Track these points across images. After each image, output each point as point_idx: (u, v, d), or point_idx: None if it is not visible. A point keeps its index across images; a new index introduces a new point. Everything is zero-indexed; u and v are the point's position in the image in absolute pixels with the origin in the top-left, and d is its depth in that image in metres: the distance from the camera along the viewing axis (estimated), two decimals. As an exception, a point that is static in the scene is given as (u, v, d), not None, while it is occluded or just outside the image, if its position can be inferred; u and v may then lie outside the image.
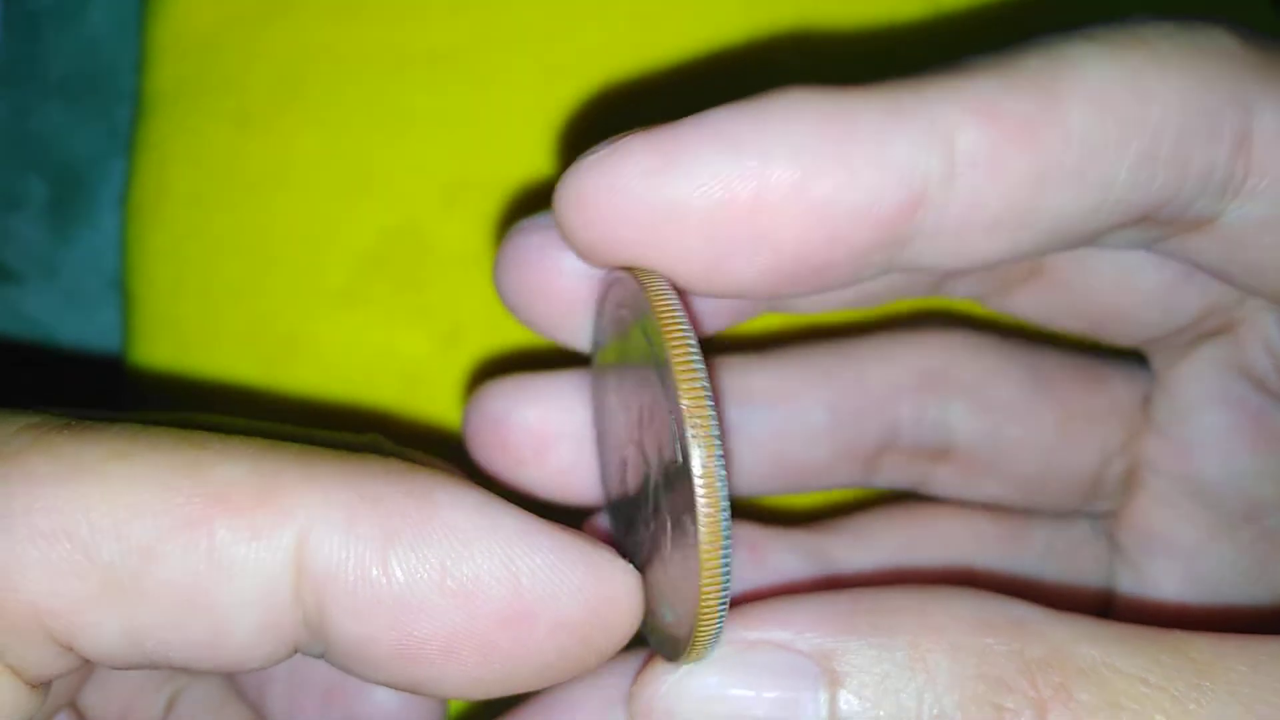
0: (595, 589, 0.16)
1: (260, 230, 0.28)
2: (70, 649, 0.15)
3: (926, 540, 0.24)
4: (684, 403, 0.15)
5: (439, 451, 0.19)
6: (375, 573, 0.15)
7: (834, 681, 0.15)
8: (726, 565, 0.15)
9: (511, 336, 0.28)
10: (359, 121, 0.29)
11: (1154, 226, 0.18)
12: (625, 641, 0.16)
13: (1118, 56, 0.17)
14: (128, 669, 0.16)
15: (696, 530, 0.15)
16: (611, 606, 0.16)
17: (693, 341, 0.15)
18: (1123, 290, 0.22)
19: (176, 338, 0.28)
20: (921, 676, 0.15)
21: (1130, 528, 0.24)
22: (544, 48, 0.29)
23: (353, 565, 0.15)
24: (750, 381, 0.23)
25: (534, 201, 0.28)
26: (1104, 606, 0.25)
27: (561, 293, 0.20)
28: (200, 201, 0.29)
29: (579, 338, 0.21)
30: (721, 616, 0.16)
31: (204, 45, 0.29)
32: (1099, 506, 0.25)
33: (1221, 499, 0.23)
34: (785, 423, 0.23)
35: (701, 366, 0.15)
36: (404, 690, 0.16)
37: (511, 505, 0.16)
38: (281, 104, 0.29)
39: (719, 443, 0.15)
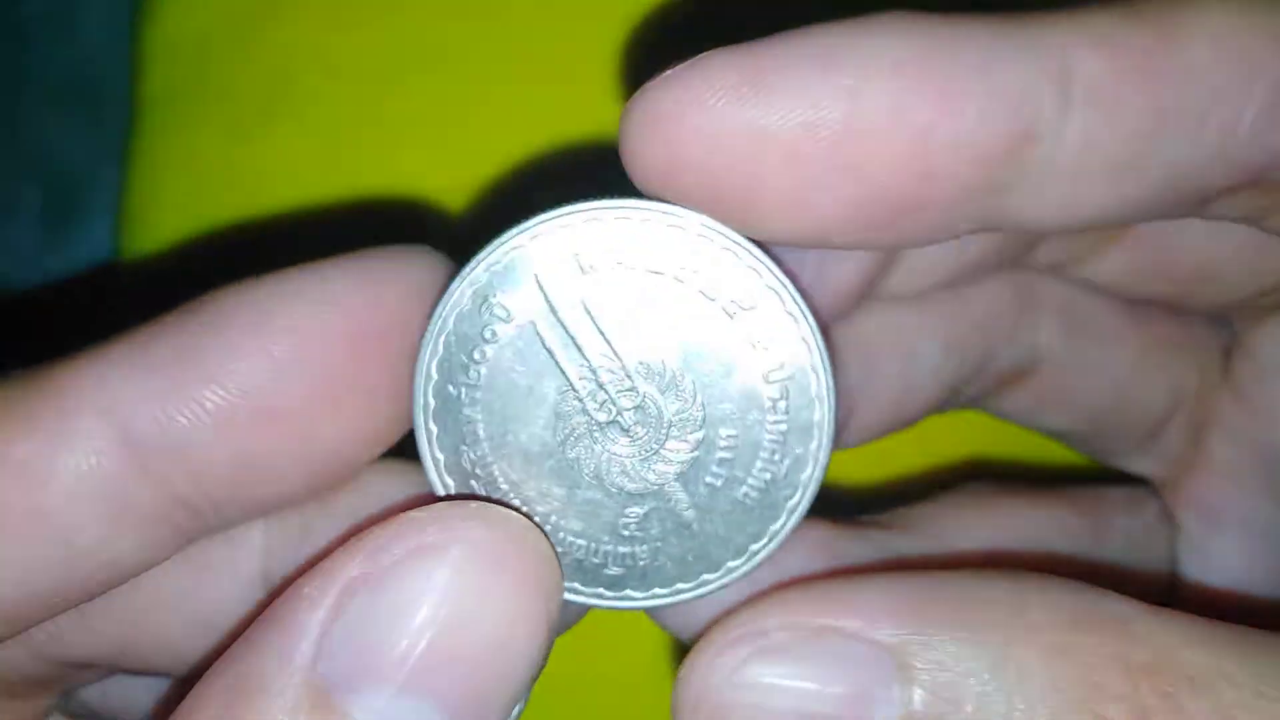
0: None
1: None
2: None
3: (1005, 537, 0.23)
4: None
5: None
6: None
7: (910, 679, 0.14)
8: None
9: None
10: (350, 127, 0.29)
11: (1263, 194, 0.17)
12: None
13: (1240, 2, 0.15)
14: (28, 625, 0.15)
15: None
16: None
17: None
18: (1210, 250, 0.21)
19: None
20: (1012, 677, 0.14)
21: (1193, 502, 0.23)
22: (537, 53, 0.29)
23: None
24: (869, 328, 0.21)
25: (528, 206, 0.28)
26: (1169, 593, 0.24)
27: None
28: (193, 208, 0.29)
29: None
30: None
31: (196, 52, 0.29)
32: (1154, 464, 0.23)
33: None
34: (905, 366, 0.22)
35: None
36: None
37: None
38: (272, 111, 0.29)
39: None
